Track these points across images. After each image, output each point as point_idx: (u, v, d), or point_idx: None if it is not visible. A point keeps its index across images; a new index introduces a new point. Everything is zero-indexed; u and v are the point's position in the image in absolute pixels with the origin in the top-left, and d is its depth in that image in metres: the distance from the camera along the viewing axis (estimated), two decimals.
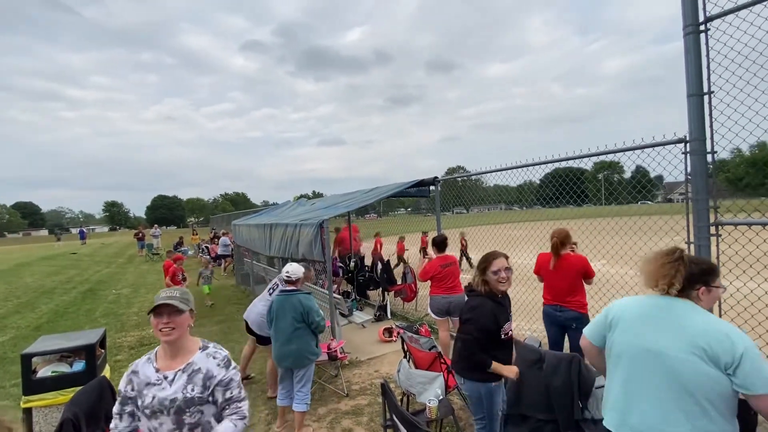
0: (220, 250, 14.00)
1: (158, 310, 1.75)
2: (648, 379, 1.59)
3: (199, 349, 1.83)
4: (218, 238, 15.17)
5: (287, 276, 3.56)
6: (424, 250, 12.76)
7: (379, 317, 6.52)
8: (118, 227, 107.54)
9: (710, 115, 2.80)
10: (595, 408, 2.81)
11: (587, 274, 3.53)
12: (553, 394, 2.88)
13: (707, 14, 2.77)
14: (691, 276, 1.62)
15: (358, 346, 5.55)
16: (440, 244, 4.61)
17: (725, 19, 2.70)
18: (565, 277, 3.52)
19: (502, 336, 2.48)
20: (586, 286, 3.62)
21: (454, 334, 4.86)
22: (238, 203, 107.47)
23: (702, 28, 2.80)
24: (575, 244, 3.69)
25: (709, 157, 2.84)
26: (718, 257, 2.82)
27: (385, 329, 5.68)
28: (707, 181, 2.86)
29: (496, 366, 2.42)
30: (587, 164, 4.07)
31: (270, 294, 4.28)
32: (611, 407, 1.74)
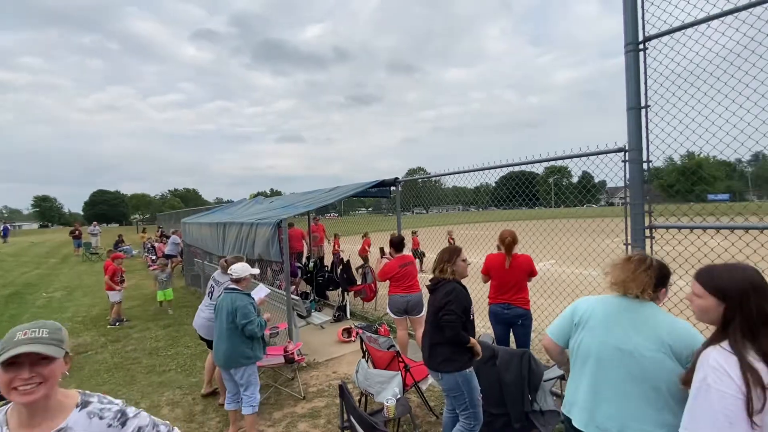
0: (168, 249, 13.20)
1: (14, 359, 1.10)
2: (617, 378, 1.66)
3: (77, 406, 1.23)
4: (167, 237, 14.30)
5: (231, 274, 3.46)
6: (415, 251, 12.58)
7: (339, 318, 6.46)
8: (49, 224, 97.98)
9: (647, 127, 3.05)
10: (543, 400, 2.96)
11: (532, 273, 3.75)
12: (505, 389, 2.99)
13: (646, 34, 3.01)
14: (657, 281, 1.71)
15: (317, 347, 5.46)
16: (398, 244, 4.66)
17: (662, 39, 2.96)
18: (515, 276, 3.70)
19: (471, 317, 2.70)
20: (530, 284, 3.86)
21: (412, 333, 5.01)
22: (188, 200, 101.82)
23: (641, 47, 3.04)
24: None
25: (645, 166, 3.10)
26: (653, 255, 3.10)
27: (344, 329, 5.64)
28: (643, 188, 3.11)
29: (472, 341, 2.63)
30: (538, 168, 4.30)
31: (210, 297, 4.15)
32: (581, 407, 1.77)
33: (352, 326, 5.63)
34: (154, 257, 13.02)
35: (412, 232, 12.89)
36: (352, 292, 6.80)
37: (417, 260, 12.93)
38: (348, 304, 6.64)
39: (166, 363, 5.30)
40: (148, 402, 4.22)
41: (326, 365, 4.95)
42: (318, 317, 6.47)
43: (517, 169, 4.45)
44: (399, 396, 3.15)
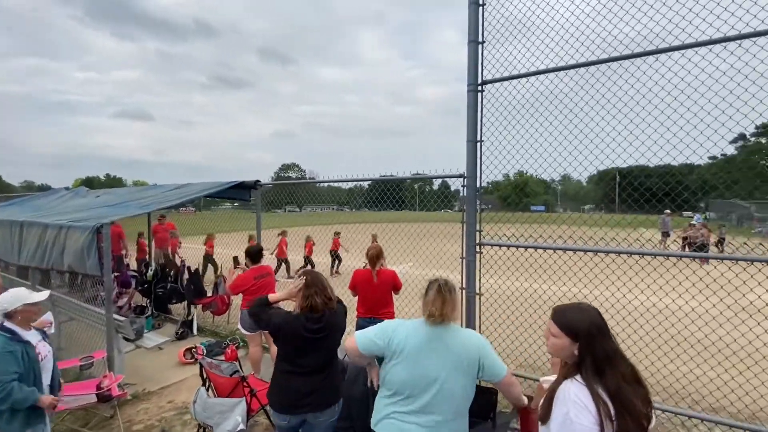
0: None
1: None
2: (424, 400, 1.84)
3: None
4: None
5: None
6: (334, 252, 11.82)
7: (182, 335, 5.66)
8: None
9: (480, 158, 3.54)
10: None
11: (396, 286, 3.91)
12: (352, 403, 3.04)
13: (483, 78, 3.50)
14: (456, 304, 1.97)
15: (151, 373, 4.67)
16: (254, 254, 4.34)
17: (494, 84, 3.48)
18: (381, 291, 3.83)
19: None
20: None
21: (267, 346, 4.69)
22: None
23: (480, 88, 3.51)
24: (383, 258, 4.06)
25: (478, 192, 3.59)
26: (479, 268, 3.61)
27: (187, 349, 4.96)
28: (476, 211, 3.60)
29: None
30: (407, 175, 4.56)
31: None
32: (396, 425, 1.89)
33: (198, 345, 5.00)
34: None
35: (335, 233, 12.06)
36: (201, 306, 6.04)
37: (336, 262, 12.00)
38: (195, 318, 5.88)
39: None
40: None
41: (160, 394, 4.26)
42: (153, 338, 5.53)
43: (386, 173, 4.68)
44: (241, 427, 2.89)
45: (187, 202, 5.26)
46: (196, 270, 6.32)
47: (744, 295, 3.15)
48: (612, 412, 1.32)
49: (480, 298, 3.61)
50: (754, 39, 2.44)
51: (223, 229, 11.22)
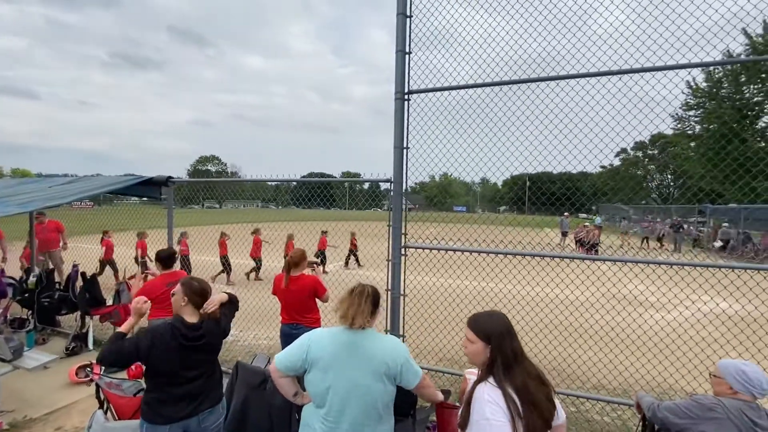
0: None
1: None
2: (348, 408, 1.85)
3: None
4: None
5: None
6: (322, 253, 11.31)
7: (74, 351, 4.94)
8: None
9: (406, 164, 3.66)
10: None
11: (318, 294, 3.73)
12: (273, 412, 2.95)
13: (410, 88, 3.62)
14: (373, 307, 2.01)
15: (34, 397, 4.00)
16: (166, 259, 3.96)
17: (420, 95, 3.63)
18: (299, 298, 3.67)
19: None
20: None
21: None
22: None
23: (406, 97, 3.62)
24: (316, 263, 3.93)
25: (403, 196, 3.71)
26: (404, 271, 3.74)
27: (80, 367, 4.35)
28: (402, 214, 3.72)
29: None
30: (337, 173, 4.53)
31: None
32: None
33: (93, 362, 4.42)
34: None
35: (322, 232, 11.57)
36: (98, 316, 5.32)
37: (320, 262, 11.72)
38: (91, 330, 5.17)
39: None
40: None
41: (46, 421, 3.68)
42: (35, 356, 4.74)
43: (316, 170, 4.57)
44: None
45: (83, 200, 4.61)
46: (93, 275, 5.54)
47: (620, 289, 3.72)
48: (520, 410, 1.44)
49: (404, 299, 3.74)
50: (630, 75, 2.95)
51: (127, 226, 10.01)
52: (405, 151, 3.63)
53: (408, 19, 3.54)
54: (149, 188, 5.05)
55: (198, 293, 2.35)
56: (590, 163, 3.17)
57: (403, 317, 3.80)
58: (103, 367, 4.33)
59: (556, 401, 1.61)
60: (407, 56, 3.57)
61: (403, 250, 3.73)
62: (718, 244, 17.89)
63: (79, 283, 5.52)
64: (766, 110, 22.69)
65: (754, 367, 1.90)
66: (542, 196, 3.91)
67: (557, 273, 3.50)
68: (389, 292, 3.66)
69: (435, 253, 3.71)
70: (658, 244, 19.68)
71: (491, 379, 1.53)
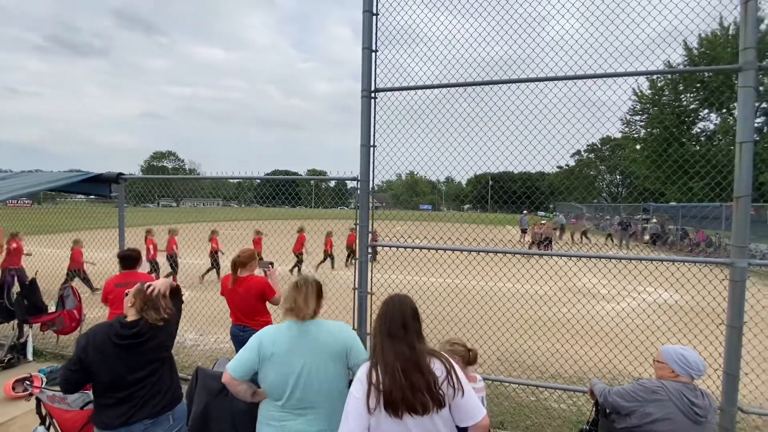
0: None
1: None
2: (306, 394, 1.86)
3: None
4: None
5: None
6: (327, 253, 11.44)
7: (10, 363, 4.51)
8: None
9: (373, 163, 3.66)
10: None
11: (266, 296, 3.49)
12: (237, 418, 2.85)
13: (376, 86, 3.62)
14: (318, 297, 2.05)
15: None
16: (124, 258, 3.72)
17: (386, 93, 3.63)
18: (246, 300, 3.48)
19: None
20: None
21: None
22: None
23: (373, 95, 3.61)
24: (271, 264, 3.70)
25: (371, 194, 3.70)
26: (371, 270, 3.73)
27: (17, 381, 3.98)
28: (369, 213, 3.71)
29: None
30: (302, 170, 4.45)
31: None
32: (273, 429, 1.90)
33: (35, 374, 4.07)
34: None
35: (327, 233, 11.31)
36: (38, 324, 4.89)
37: (331, 262, 11.71)
38: (30, 340, 4.74)
39: None
40: None
41: None
42: None
43: (281, 168, 4.44)
44: None
45: (21, 197, 4.22)
46: (32, 280, 5.08)
47: (575, 283, 3.93)
48: (383, 382, 1.57)
49: (371, 297, 3.74)
50: (584, 80, 3.11)
51: (74, 226, 9.26)
52: (372, 149, 3.63)
53: (374, 17, 3.53)
54: (97, 185, 4.71)
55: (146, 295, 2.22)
56: (548, 164, 3.33)
57: (371, 315, 3.80)
58: (44, 380, 4.01)
59: (470, 401, 1.61)
60: (374, 54, 3.56)
61: (370, 248, 3.73)
62: (647, 238, 19.63)
63: (16, 289, 5.05)
64: (701, 116, 24.87)
65: (692, 351, 2.08)
66: (504, 194, 4.05)
67: (518, 269, 3.65)
68: (356, 291, 3.64)
69: (402, 250, 3.74)
70: (610, 241, 20.98)
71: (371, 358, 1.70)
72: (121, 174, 4.49)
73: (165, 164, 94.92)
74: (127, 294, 2.26)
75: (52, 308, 5.09)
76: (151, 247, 9.13)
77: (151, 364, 2.21)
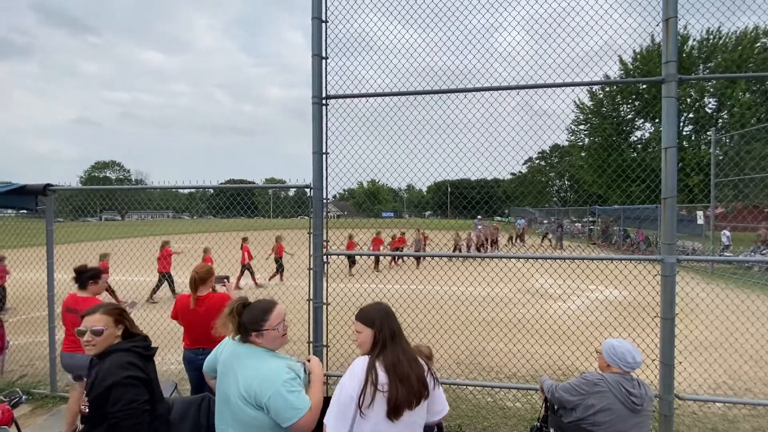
0: None
1: None
2: (222, 422, 1.83)
3: None
4: None
5: None
6: (279, 260, 10.86)
7: None
8: None
9: (326, 170, 3.60)
10: None
11: None
12: None
13: (328, 93, 3.58)
14: (241, 326, 1.86)
15: None
16: (77, 276, 3.39)
17: (338, 100, 3.60)
18: (208, 320, 3.27)
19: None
20: None
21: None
22: None
23: (324, 102, 3.57)
24: (227, 278, 3.56)
25: (325, 202, 3.64)
26: (327, 279, 3.65)
27: None
28: (323, 221, 3.64)
29: None
30: (261, 180, 4.28)
31: None
32: None
33: None
34: None
35: (276, 238, 10.66)
36: None
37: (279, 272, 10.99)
38: None
39: None
40: None
41: None
42: None
43: (236, 176, 4.25)
44: None
45: None
46: None
47: (524, 284, 4.08)
48: (384, 380, 1.62)
49: (327, 308, 3.65)
50: (527, 90, 3.27)
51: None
52: (324, 156, 3.57)
53: (324, 24, 3.51)
54: (21, 198, 4.26)
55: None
56: (503, 170, 3.45)
57: (326, 327, 3.71)
58: None
59: (440, 394, 1.80)
60: (324, 61, 3.53)
61: (324, 257, 3.65)
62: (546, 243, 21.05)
63: None
64: (637, 126, 27.17)
65: (624, 343, 2.20)
66: (463, 200, 4.15)
67: (479, 272, 3.73)
68: (311, 302, 3.54)
69: (360, 259, 3.69)
70: (547, 242, 22.03)
71: (369, 356, 1.72)
72: (49, 185, 4.10)
73: (108, 174, 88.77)
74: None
75: None
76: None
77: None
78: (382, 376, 1.63)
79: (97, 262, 8.43)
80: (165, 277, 9.34)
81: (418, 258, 12.28)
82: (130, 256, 8.12)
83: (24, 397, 3.92)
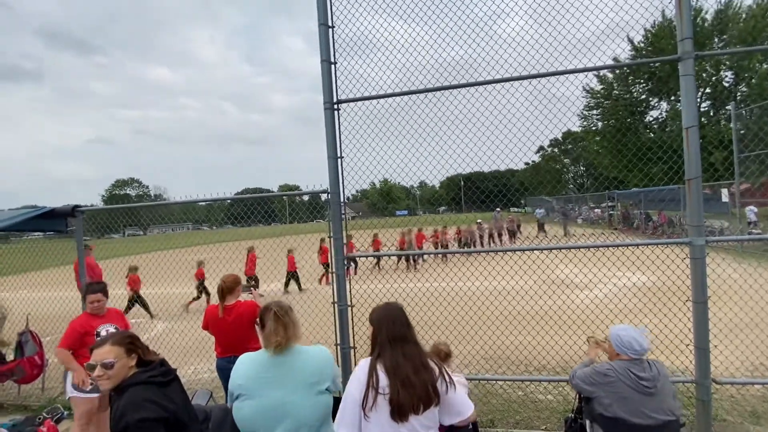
0: None
1: None
2: (278, 429, 1.75)
3: None
4: None
5: None
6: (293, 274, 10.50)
7: None
8: None
9: (342, 173, 3.64)
10: None
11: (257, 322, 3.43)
12: None
13: (339, 97, 3.61)
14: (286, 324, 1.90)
15: None
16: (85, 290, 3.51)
17: (349, 104, 3.63)
18: (237, 328, 3.33)
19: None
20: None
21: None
22: None
23: (336, 107, 3.61)
24: (253, 286, 3.66)
25: (343, 205, 3.68)
26: (350, 280, 3.69)
27: None
28: (342, 224, 3.67)
29: None
30: (274, 187, 4.36)
31: None
32: None
33: None
34: None
35: (288, 251, 10.35)
36: None
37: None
38: None
39: None
40: None
41: None
42: None
43: (251, 185, 4.34)
44: None
45: None
46: None
47: (548, 275, 4.03)
48: (384, 383, 1.62)
49: (352, 310, 3.68)
50: (538, 79, 3.21)
51: (28, 266, 8.66)
52: (339, 160, 3.61)
53: (330, 29, 3.54)
54: (52, 221, 4.44)
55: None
56: (516, 160, 3.42)
57: (352, 328, 3.75)
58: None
59: (459, 396, 1.73)
60: (333, 66, 3.56)
61: (345, 260, 3.69)
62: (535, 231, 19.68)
63: None
64: (652, 105, 26.41)
65: (629, 331, 2.16)
66: (477, 192, 4.11)
67: (502, 266, 3.71)
68: (336, 305, 3.58)
69: (382, 259, 3.71)
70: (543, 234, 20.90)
71: (371, 357, 1.74)
72: (77, 206, 4.26)
73: (128, 192, 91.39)
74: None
75: (10, 356, 4.72)
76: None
77: None
78: (383, 379, 1.64)
79: (125, 276, 8.72)
80: (252, 279, 10.07)
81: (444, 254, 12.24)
82: (159, 269, 8.37)
83: (65, 412, 4.11)
